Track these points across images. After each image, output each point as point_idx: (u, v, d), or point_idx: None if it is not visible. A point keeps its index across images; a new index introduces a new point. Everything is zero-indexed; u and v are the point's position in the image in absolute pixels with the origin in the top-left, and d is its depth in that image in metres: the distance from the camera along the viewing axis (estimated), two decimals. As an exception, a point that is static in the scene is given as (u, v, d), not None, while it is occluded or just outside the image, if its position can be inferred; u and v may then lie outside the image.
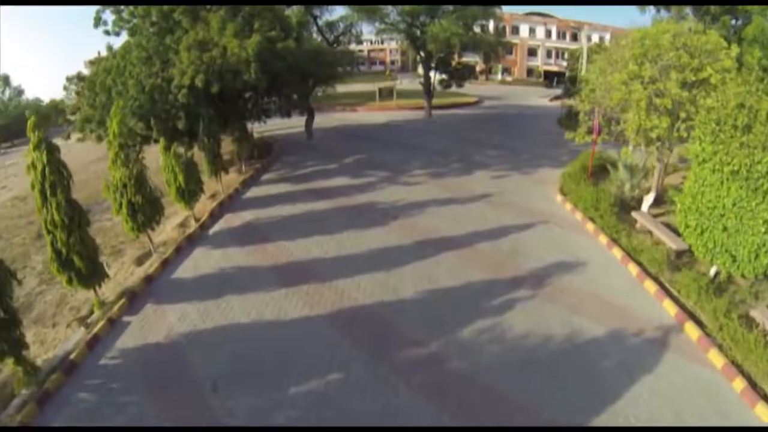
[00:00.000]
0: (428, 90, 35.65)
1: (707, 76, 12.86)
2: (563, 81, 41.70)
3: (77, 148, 25.76)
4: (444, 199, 17.13)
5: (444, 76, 36.31)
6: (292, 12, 24.26)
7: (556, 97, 55.52)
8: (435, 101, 37.10)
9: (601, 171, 18.57)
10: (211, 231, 15.61)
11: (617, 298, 10.82)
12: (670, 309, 10.17)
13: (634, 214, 14.81)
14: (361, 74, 79.23)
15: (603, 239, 13.82)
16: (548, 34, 75.93)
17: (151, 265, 13.06)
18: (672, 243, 12.16)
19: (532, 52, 76.28)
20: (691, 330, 9.43)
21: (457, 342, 9.42)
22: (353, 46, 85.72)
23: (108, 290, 11.75)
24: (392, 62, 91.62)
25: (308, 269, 12.59)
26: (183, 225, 15.98)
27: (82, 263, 9.90)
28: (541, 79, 73.11)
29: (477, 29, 32.71)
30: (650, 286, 11.10)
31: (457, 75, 35.31)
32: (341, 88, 52.82)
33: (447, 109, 41.26)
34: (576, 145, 26.05)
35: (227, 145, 23.94)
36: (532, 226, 14.96)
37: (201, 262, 13.34)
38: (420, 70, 46.15)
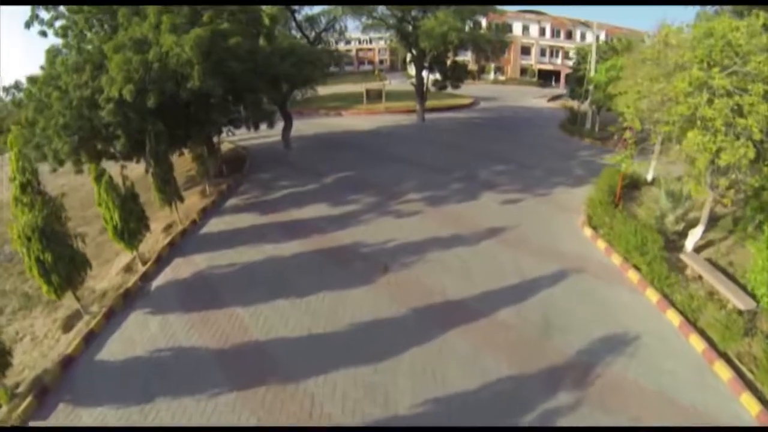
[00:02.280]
0: (421, 92, 31.78)
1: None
2: (569, 81, 37.97)
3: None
4: (447, 238, 13.33)
5: (438, 77, 32.40)
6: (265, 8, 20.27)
7: (555, 98, 52.13)
8: (428, 103, 33.18)
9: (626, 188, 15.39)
10: (155, 283, 11.92)
11: (684, 395, 7.88)
12: (750, 406, 7.52)
13: (684, 257, 11.64)
14: (348, 75, 75.23)
15: (652, 296, 10.55)
16: (542, 31, 72.37)
17: (73, 338, 9.70)
18: (739, 301, 9.57)
19: (525, 51, 72.65)
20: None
21: None
22: (341, 45, 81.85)
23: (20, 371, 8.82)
24: (381, 62, 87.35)
25: (267, 357, 8.90)
26: (129, 269, 12.52)
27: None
28: (535, 79, 69.61)
29: (469, 26, 28.81)
30: (723, 371, 8.31)
31: (453, 75, 31.42)
32: (326, 90, 48.62)
33: (441, 112, 37.44)
34: (586, 155, 22.65)
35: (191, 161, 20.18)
36: (562, 277, 11.35)
37: (134, 334, 9.83)
38: (411, 69, 42.25)
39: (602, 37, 71.52)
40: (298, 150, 24.31)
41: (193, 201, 17.70)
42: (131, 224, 11.98)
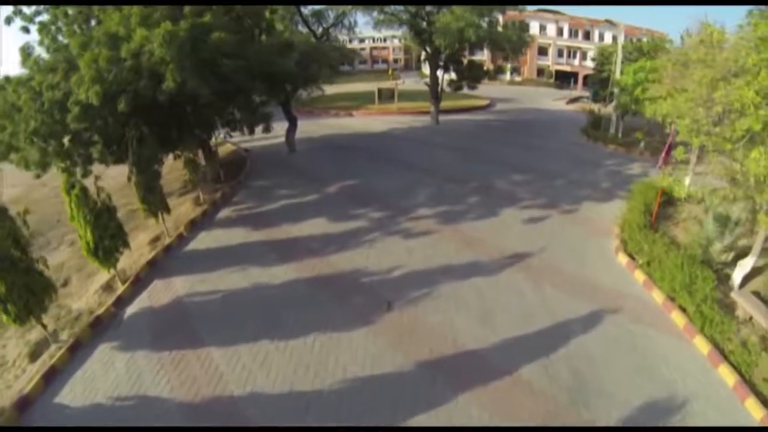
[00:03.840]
0: (435, 93, 29.71)
1: None
2: (591, 83, 35.50)
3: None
4: (463, 267, 11.28)
5: (454, 76, 30.30)
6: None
7: (574, 100, 49.56)
8: (442, 104, 31.08)
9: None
10: (129, 310, 10.19)
11: None
12: None
13: (736, 297, 9.57)
14: (362, 73, 73.38)
15: (702, 346, 8.55)
16: (559, 31, 69.42)
17: (35, 373, 8.30)
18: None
19: (542, 51, 69.81)
20: None
21: None
22: (355, 44, 79.98)
23: None
24: (395, 60, 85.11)
25: (240, 418, 7.08)
26: (108, 287, 11.04)
27: None
28: (552, 80, 66.86)
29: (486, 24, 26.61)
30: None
31: (470, 75, 29.28)
32: (338, 89, 47.00)
33: (455, 113, 35.33)
34: (612, 163, 20.50)
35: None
36: (597, 320, 9.31)
37: (98, 375, 8.23)
38: (425, 69, 40.12)
39: (620, 38, 68.88)
40: (302, 153, 22.49)
41: (186, 209, 16.02)
42: (106, 242, 10.33)
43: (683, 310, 9.46)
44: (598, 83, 31.63)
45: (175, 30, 10.39)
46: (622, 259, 11.81)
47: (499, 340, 8.65)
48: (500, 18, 41.14)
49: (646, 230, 12.36)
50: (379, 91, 36.40)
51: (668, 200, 14.91)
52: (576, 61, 69.30)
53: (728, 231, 10.92)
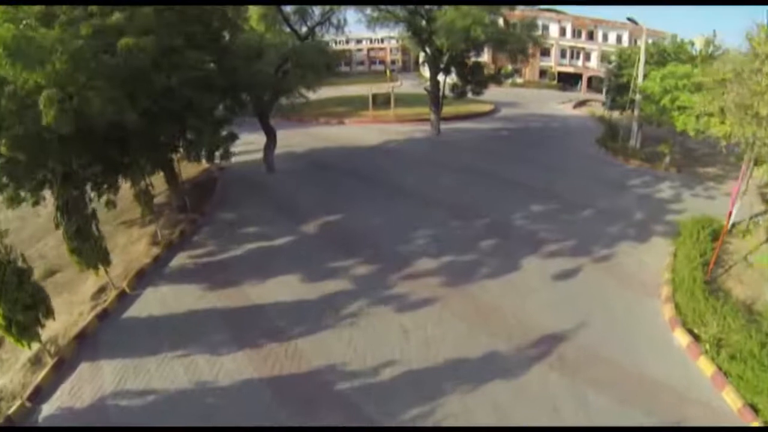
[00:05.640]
0: (436, 99, 26.22)
1: None
2: (607, 89, 32.02)
3: None
4: (477, 362, 8.02)
5: (457, 81, 26.77)
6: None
7: (580, 103, 46.25)
8: (443, 110, 27.43)
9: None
10: (45, 411, 7.49)
11: None
12: None
13: None
14: (359, 75, 69.82)
15: None
16: (562, 31, 65.98)
17: None
18: None
19: (544, 52, 66.20)
20: None
21: None
22: (352, 45, 76.28)
23: None
24: (392, 62, 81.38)
25: None
26: (38, 360, 8.61)
27: None
28: (555, 82, 63.44)
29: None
30: None
31: (475, 79, 25.78)
32: (332, 92, 43.23)
33: (458, 121, 31.86)
34: (639, 184, 17.57)
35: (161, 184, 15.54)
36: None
37: None
38: (424, 71, 36.68)
39: (624, 38, 65.32)
40: (282, 174, 18.93)
41: (140, 250, 12.83)
42: (18, 316, 7.60)
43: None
44: (615, 89, 28.11)
45: (66, 37, 7.02)
46: (681, 337, 8.69)
47: None
48: (500, 20, 37.80)
49: (706, 293, 9.26)
50: (374, 97, 32.85)
51: (715, 235, 11.88)
52: (579, 62, 65.96)
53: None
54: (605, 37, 65.34)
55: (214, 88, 10.52)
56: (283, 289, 10.30)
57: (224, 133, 12.85)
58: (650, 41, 44.66)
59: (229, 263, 11.69)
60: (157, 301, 10.37)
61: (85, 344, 9.01)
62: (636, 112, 24.79)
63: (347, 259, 11.49)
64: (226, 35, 12.44)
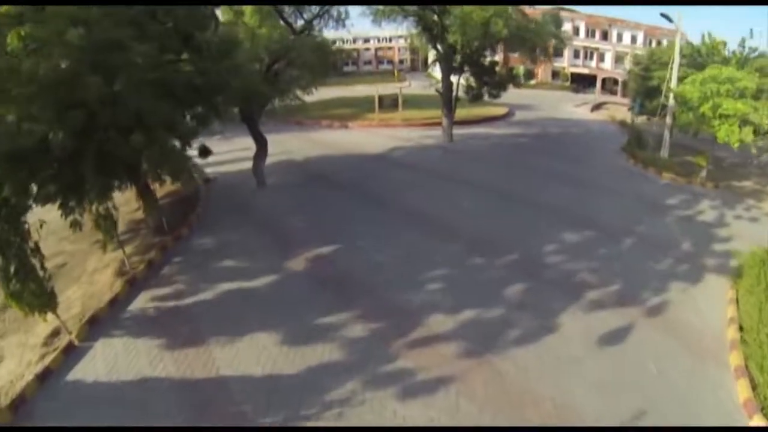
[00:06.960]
0: (448, 102, 23.68)
1: None
2: (635, 93, 29.39)
3: None
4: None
5: (472, 82, 24.14)
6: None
7: (597, 106, 43.58)
8: (456, 114, 24.87)
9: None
10: None
11: None
12: None
13: None
14: (367, 74, 67.45)
15: None
16: (575, 31, 62.93)
17: None
18: None
19: (557, 52, 63.37)
20: None
21: None
22: (359, 44, 73.78)
23: None
24: (401, 61, 78.76)
25: None
26: None
27: None
28: (568, 83, 60.62)
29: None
30: None
31: (493, 81, 23.15)
32: (337, 93, 40.81)
33: (471, 125, 29.26)
34: (678, 203, 15.26)
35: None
36: None
37: None
38: (434, 71, 34.08)
39: (639, 39, 62.17)
40: (273, 190, 16.36)
41: (103, 281, 10.58)
42: None
43: None
44: (644, 93, 25.49)
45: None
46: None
47: None
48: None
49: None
50: (381, 99, 30.35)
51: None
52: (593, 63, 63.00)
53: None
54: (620, 38, 62.50)
55: (175, 92, 8.12)
56: (257, 355, 7.84)
57: (190, 149, 10.40)
58: (664, 42, 41.67)
59: (196, 312, 9.28)
60: (106, 362, 8.07)
61: (22, 412, 6.94)
62: (668, 119, 22.22)
63: (340, 311, 8.94)
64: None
